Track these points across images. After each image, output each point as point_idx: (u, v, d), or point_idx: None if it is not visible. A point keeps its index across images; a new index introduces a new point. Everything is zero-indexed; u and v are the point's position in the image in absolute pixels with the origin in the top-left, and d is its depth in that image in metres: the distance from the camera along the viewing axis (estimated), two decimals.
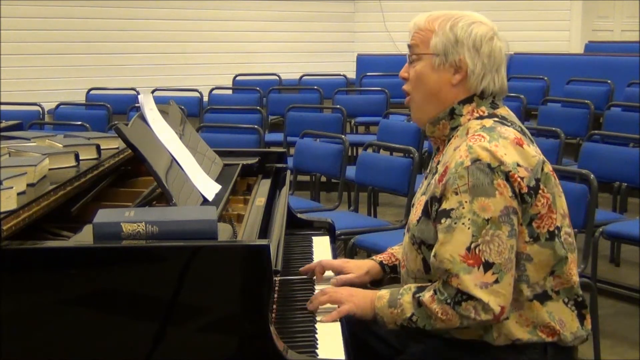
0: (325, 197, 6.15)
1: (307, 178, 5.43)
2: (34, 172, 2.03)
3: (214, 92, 7.89)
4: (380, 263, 2.20)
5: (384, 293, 1.96)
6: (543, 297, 1.90)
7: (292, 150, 5.14)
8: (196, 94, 7.71)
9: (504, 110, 1.98)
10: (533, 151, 1.88)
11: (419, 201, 2.00)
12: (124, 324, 1.66)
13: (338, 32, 10.11)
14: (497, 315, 1.81)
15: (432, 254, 1.88)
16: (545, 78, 7.61)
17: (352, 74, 9.38)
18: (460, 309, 1.82)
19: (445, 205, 1.85)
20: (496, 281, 1.80)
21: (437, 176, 1.92)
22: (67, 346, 1.65)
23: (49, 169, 2.17)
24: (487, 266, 1.80)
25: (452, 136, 1.96)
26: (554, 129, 4.89)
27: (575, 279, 1.93)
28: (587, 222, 3.40)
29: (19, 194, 1.84)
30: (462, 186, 1.82)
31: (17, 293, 1.64)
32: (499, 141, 1.84)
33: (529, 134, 1.96)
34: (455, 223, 1.82)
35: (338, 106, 6.51)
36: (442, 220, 1.85)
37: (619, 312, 4.08)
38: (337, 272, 2.17)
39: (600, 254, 4.18)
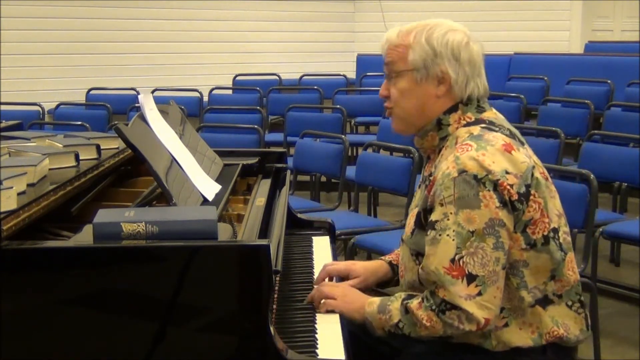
0: (325, 197, 6.14)
1: (307, 178, 5.43)
2: (34, 172, 2.03)
3: (214, 92, 7.89)
4: (390, 263, 2.19)
5: (376, 299, 1.96)
6: (544, 302, 1.89)
7: (292, 150, 5.14)
8: (196, 94, 7.71)
9: (491, 114, 1.96)
10: (522, 156, 1.85)
11: (412, 213, 1.99)
12: (124, 323, 1.66)
13: (338, 32, 10.11)
14: (481, 326, 1.81)
15: (420, 266, 1.88)
16: (545, 78, 7.60)
17: (352, 74, 9.38)
18: (445, 317, 1.82)
19: (432, 217, 1.85)
20: (479, 293, 1.79)
21: (427, 188, 1.91)
22: (67, 346, 1.65)
23: (49, 169, 2.17)
24: (471, 278, 1.79)
25: (443, 146, 1.94)
26: (554, 129, 4.88)
27: (576, 277, 1.92)
28: (587, 222, 3.39)
29: (19, 194, 1.84)
30: (447, 197, 1.80)
31: (17, 293, 1.64)
32: (487, 149, 1.81)
33: (520, 136, 1.94)
34: (439, 235, 1.81)
35: (338, 106, 6.51)
36: (428, 232, 1.85)
37: (619, 312, 4.07)
38: (344, 276, 2.16)
39: (600, 254, 4.18)
